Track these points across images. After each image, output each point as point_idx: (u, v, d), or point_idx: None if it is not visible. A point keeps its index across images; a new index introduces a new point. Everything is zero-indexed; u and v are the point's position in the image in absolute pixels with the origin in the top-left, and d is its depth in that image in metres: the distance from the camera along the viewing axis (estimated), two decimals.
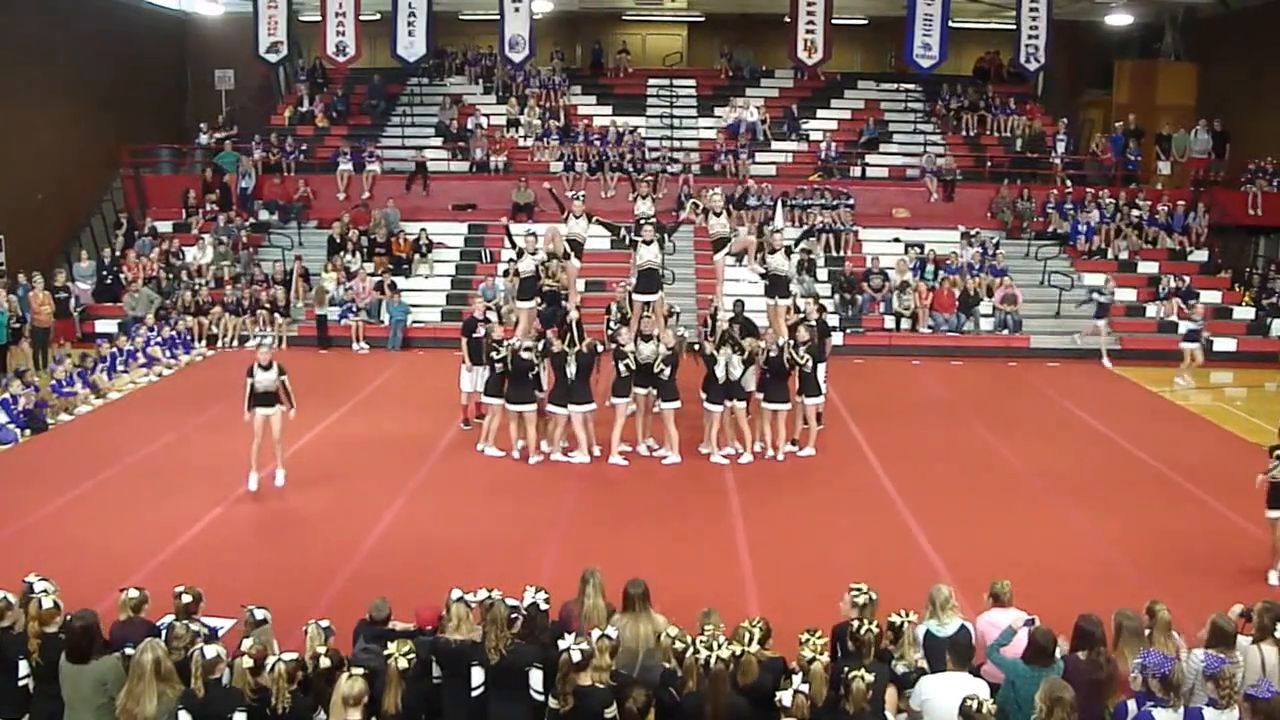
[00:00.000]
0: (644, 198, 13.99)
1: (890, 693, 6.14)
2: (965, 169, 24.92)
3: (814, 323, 13.93)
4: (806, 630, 6.19)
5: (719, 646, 5.88)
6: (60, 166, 22.82)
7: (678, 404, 12.96)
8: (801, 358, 12.78)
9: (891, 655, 6.52)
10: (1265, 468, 9.74)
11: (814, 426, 13.42)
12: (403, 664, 5.87)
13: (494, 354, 12.81)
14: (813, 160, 25.09)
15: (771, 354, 12.84)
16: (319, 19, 21.24)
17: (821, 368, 13.38)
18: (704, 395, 13.08)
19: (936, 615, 6.70)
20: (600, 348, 12.95)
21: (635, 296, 13.53)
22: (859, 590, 6.66)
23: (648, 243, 13.32)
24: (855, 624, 6.37)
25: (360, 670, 5.67)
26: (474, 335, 13.64)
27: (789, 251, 13.96)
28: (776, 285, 13.69)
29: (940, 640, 6.48)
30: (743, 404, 13.28)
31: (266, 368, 11.55)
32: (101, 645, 6.06)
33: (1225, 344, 20.61)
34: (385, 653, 5.92)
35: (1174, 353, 20.31)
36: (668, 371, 12.83)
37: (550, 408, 13.19)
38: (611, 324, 14.29)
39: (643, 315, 13.06)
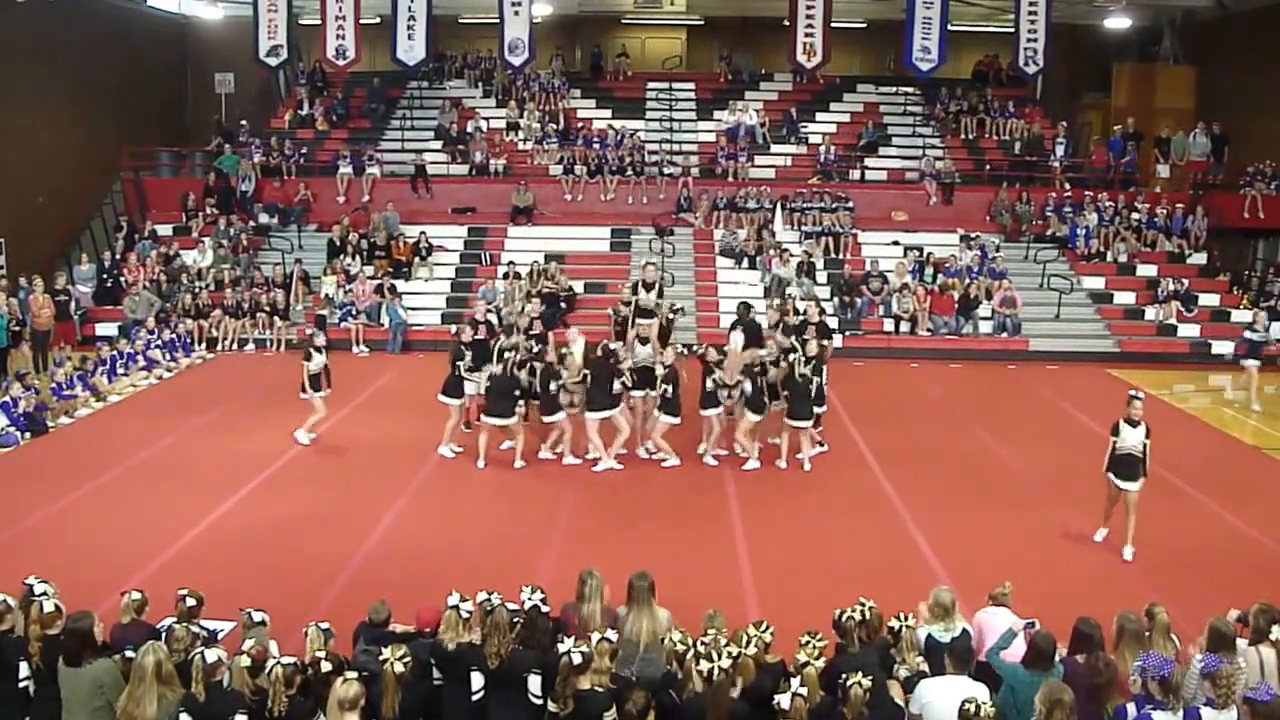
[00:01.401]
0: (649, 288, 13.83)
1: (895, 686, 6.14)
2: (964, 172, 24.96)
3: (815, 322, 13.90)
4: (806, 633, 6.20)
5: (719, 656, 5.89)
6: (60, 169, 22.85)
7: (677, 420, 12.94)
8: (806, 370, 12.68)
9: (893, 660, 6.53)
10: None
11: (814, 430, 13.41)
12: (398, 668, 5.87)
13: (459, 359, 12.88)
14: (812, 163, 25.12)
15: (785, 364, 12.78)
16: (319, 23, 21.28)
17: (823, 370, 13.36)
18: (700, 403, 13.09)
19: (941, 619, 6.69)
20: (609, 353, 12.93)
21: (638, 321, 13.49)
22: (860, 605, 6.56)
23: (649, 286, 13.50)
24: (837, 612, 6.40)
25: (354, 674, 5.67)
26: (475, 337, 13.63)
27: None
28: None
29: (943, 645, 6.48)
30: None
31: (320, 350, 13.58)
32: (97, 647, 6.07)
33: (1223, 346, 20.64)
34: (381, 658, 5.93)
35: (1174, 355, 20.45)
36: (670, 390, 12.82)
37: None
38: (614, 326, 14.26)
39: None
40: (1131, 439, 10.07)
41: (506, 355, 12.75)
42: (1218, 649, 6.10)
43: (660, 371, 12.81)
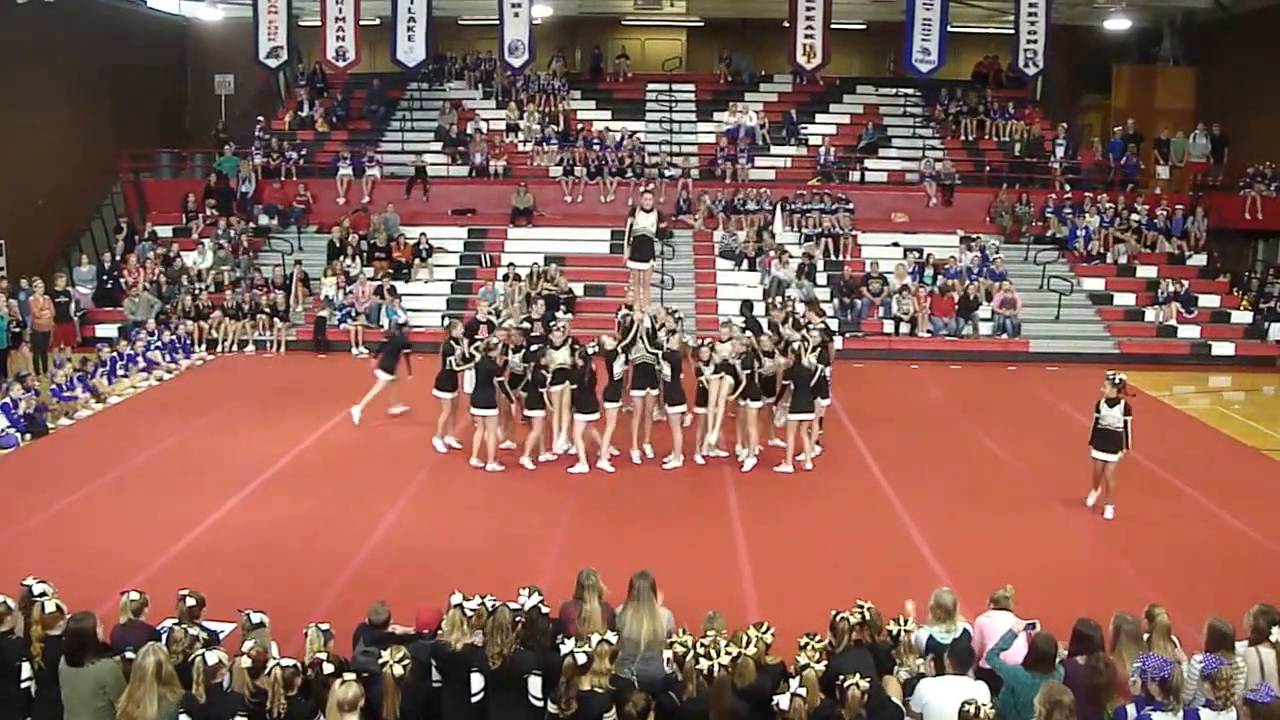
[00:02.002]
0: (646, 210, 13.74)
1: (894, 684, 6.14)
2: (964, 173, 24.96)
3: (819, 327, 13.93)
4: (806, 635, 6.20)
5: (718, 654, 5.89)
6: (61, 171, 22.86)
7: (683, 408, 12.98)
8: (811, 357, 12.67)
9: (893, 661, 6.54)
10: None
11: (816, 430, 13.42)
12: (398, 670, 5.87)
13: (449, 354, 12.91)
14: (812, 165, 25.13)
15: (791, 354, 12.79)
16: (319, 24, 21.26)
17: (827, 371, 13.34)
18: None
19: (943, 621, 6.68)
20: (592, 351, 12.95)
21: (630, 264, 13.43)
22: (859, 607, 6.56)
23: (647, 210, 13.40)
24: (834, 614, 6.41)
25: (352, 675, 5.68)
26: (475, 337, 13.63)
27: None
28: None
29: (944, 647, 6.48)
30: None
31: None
32: (99, 648, 6.08)
33: (1223, 348, 20.69)
34: (380, 660, 5.93)
35: (1174, 356, 20.46)
36: (668, 370, 12.85)
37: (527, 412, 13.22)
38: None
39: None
40: (1110, 416, 11.15)
41: (489, 341, 12.81)
42: (1217, 649, 6.10)
43: (660, 347, 12.87)
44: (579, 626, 6.65)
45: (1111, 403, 11.16)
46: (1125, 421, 11.09)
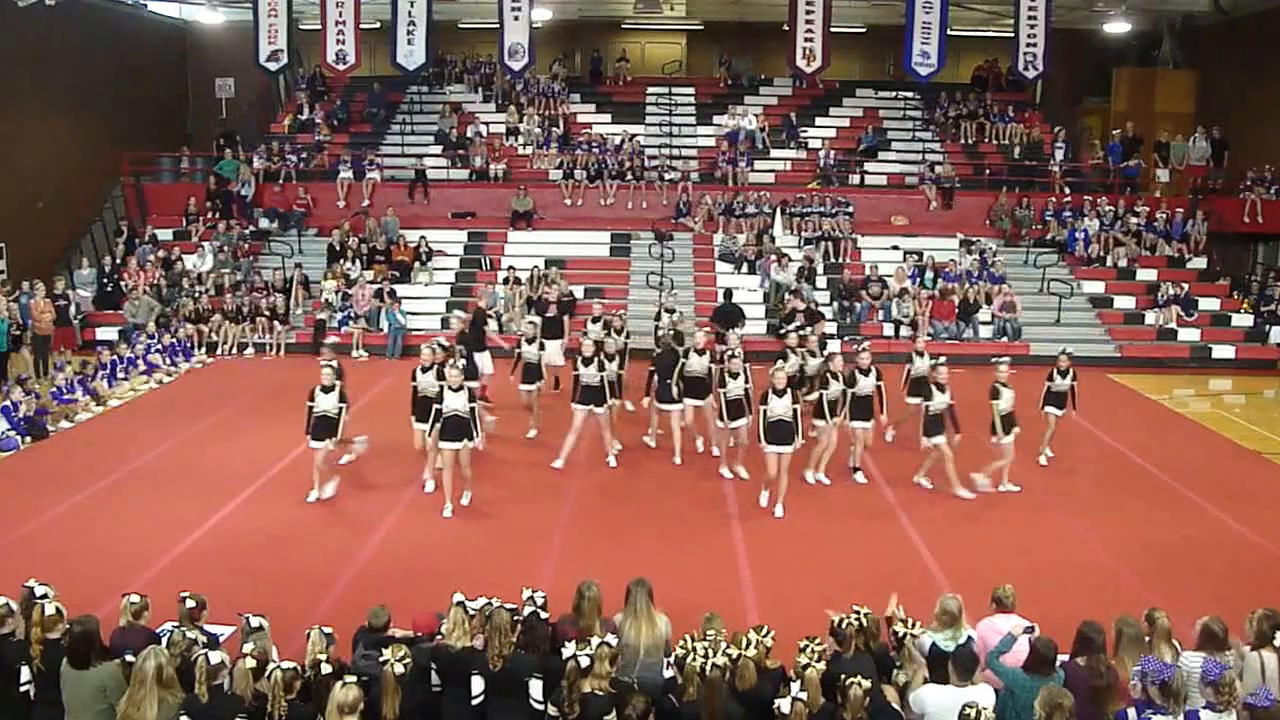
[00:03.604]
0: (610, 359, 13.51)
1: (891, 692, 6.14)
2: (964, 177, 24.97)
3: (803, 309, 14.06)
4: (805, 638, 6.19)
5: (714, 654, 5.89)
6: (61, 174, 22.88)
7: (676, 407, 13.10)
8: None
9: (893, 663, 6.52)
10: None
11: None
12: (398, 669, 5.87)
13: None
14: (812, 168, 25.15)
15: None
16: (319, 28, 21.23)
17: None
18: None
19: (948, 627, 6.65)
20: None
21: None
22: (855, 611, 6.54)
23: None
24: (836, 618, 6.41)
25: (353, 678, 5.68)
26: (484, 327, 13.63)
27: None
28: None
29: (947, 654, 6.46)
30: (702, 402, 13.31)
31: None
32: (101, 651, 6.08)
33: (1224, 351, 20.69)
34: (381, 659, 5.93)
35: (1174, 360, 20.44)
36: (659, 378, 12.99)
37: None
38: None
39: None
40: (1062, 385, 13.41)
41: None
42: (1208, 647, 6.14)
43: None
44: (578, 627, 6.64)
45: (1063, 373, 13.37)
46: (1072, 386, 13.38)
